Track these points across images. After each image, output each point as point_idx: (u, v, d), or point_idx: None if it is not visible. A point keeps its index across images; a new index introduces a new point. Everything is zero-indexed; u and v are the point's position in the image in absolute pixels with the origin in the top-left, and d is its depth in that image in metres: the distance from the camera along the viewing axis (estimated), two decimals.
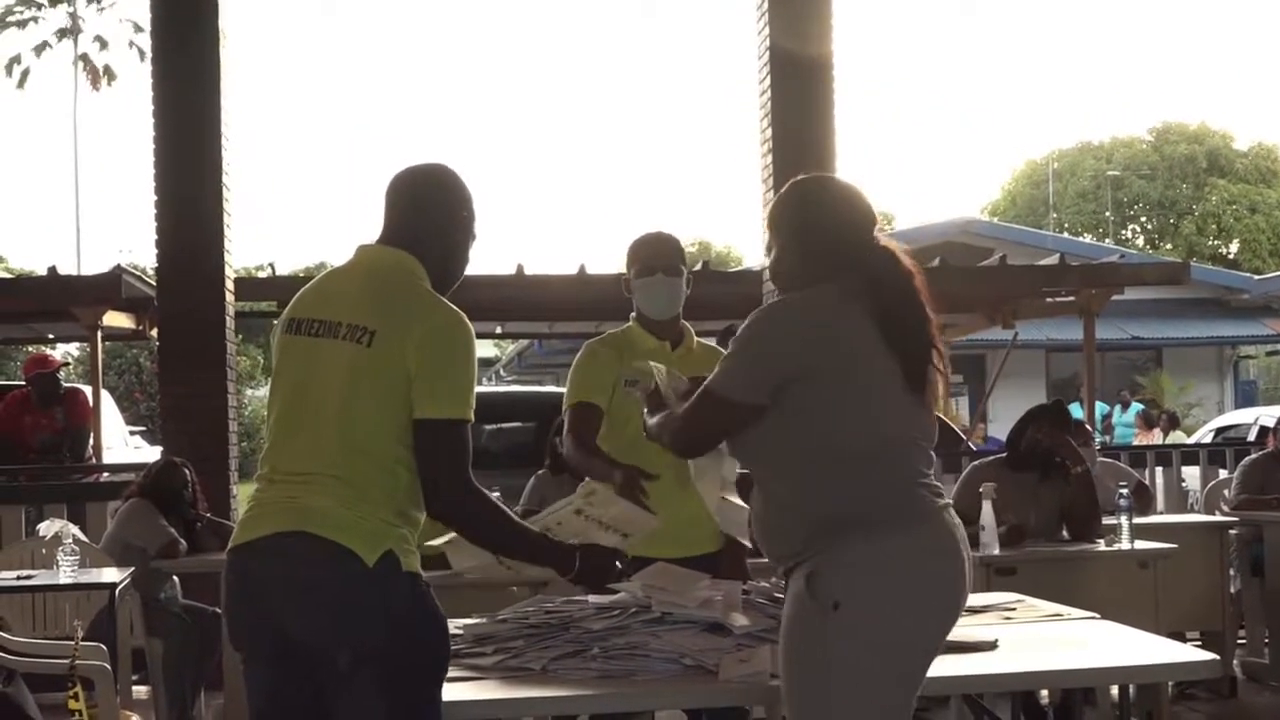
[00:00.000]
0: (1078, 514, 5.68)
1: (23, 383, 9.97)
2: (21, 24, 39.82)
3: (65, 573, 5.53)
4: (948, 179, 78.57)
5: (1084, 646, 3.32)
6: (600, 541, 3.06)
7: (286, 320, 2.87)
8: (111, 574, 5.69)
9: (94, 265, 27.66)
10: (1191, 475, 9.06)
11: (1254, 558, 7.02)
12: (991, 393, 15.47)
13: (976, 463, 6.02)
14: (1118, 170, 39.97)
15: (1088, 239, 36.06)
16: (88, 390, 10.50)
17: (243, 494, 6.98)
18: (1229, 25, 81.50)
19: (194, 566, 6.32)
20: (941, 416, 12.60)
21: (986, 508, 5.29)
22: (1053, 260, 12.58)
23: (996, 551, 5.29)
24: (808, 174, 3.04)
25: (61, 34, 39.69)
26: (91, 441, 10.06)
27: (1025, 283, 12.09)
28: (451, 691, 2.82)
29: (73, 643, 4.22)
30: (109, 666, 4.73)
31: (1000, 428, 12.91)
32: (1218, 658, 3.18)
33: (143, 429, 20.29)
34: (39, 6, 39.78)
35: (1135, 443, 16.97)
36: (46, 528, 5.86)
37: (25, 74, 39.37)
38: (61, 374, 9.87)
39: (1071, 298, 11.84)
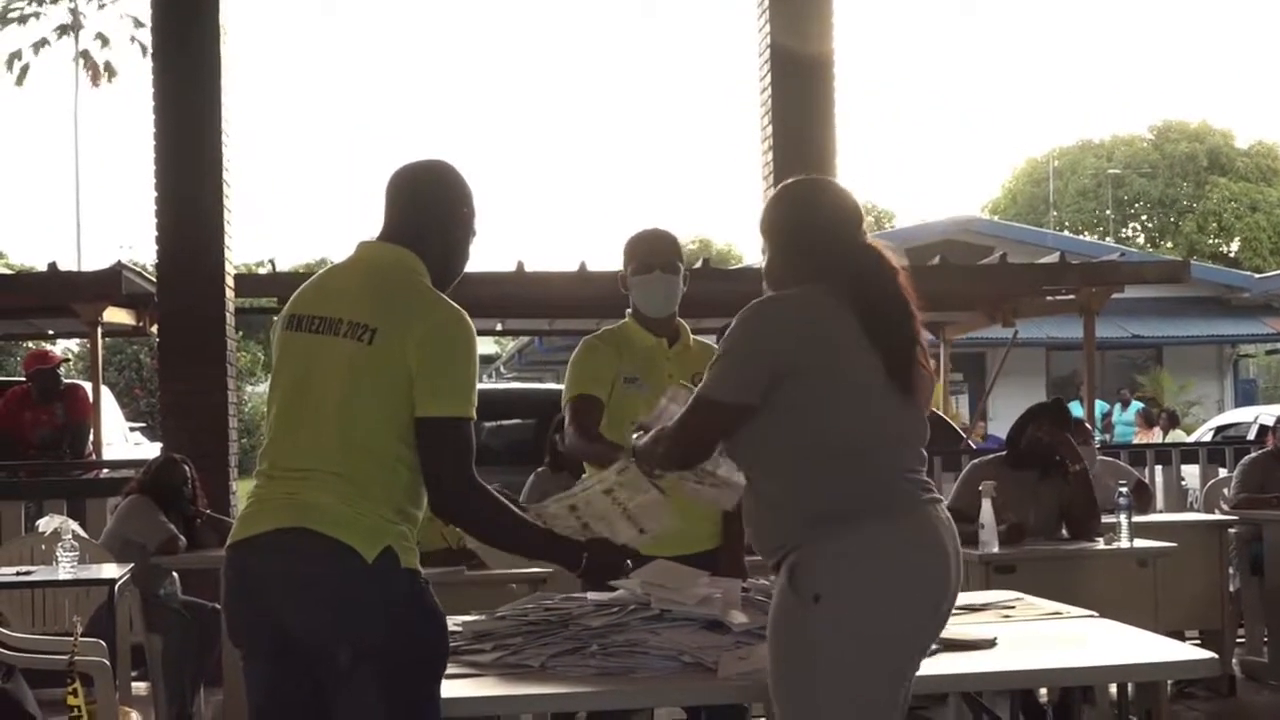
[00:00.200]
0: (1077, 512, 5.69)
1: (23, 379, 9.97)
2: (22, 20, 39.81)
3: (65, 569, 5.54)
4: (948, 177, 78.55)
5: (1083, 645, 3.32)
6: (619, 531, 3.06)
7: (287, 317, 2.87)
8: (111, 570, 5.69)
9: (94, 261, 27.65)
10: (1191, 474, 9.06)
11: (1253, 556, 7.03)
12: (991, 391, 15.47)
13: (976, 461, 6.02)
14: (1118, 168, 39.95)
15: (1088, 237, 36.04)
16: (88, 386, 10.50)
17: (242, 490, 6.98)
18: (1230, 23, 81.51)
19: (194, 563, 6.33)
20: (941, 414, 12.65)
21: (986, 506, 5.29)
22: (1053, 258, 12.57)
23: (996, 549, 5.29)
24: (797, 177, 3.10)
25: (62, 30, 39.68)
26: (91, 437, 10.06)
27: (1025, 281, 12.08)
28: (450, 688, 2.82)
29: (72, 639, 4.22)
30: (108, 662, 4.74)
31: (1000, 426, 12.91)
32: (1216, 656, 3.18)
33: (143, 425, 20.28)
34: (40, 2, 39.77)
35: (1135, 441, 16.96)
36: (46, 524, 5.86)
37: (25, 70, 39.37)
38: (62, 370, 9.89)
39: (1072, 296, 11.83)
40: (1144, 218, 41.53)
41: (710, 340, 4.31)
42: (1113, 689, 4.40)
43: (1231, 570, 6.91)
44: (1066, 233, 34.27)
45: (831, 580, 2.70)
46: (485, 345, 29.30)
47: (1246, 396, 25.93)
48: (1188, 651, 3.30)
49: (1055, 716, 5.41)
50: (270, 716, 2.80)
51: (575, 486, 3.19)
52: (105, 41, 39.40)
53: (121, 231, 71.20)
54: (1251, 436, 12.08)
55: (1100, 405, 17.16)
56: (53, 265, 10.71)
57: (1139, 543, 5.52)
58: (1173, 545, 5.65)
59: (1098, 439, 10.57)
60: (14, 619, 5.86)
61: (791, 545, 2.76)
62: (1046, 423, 5.76)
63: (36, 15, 39.75)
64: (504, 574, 5.35)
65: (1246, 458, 7.36)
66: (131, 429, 16.33)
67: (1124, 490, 5.61)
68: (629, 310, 4.10)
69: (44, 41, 39.50)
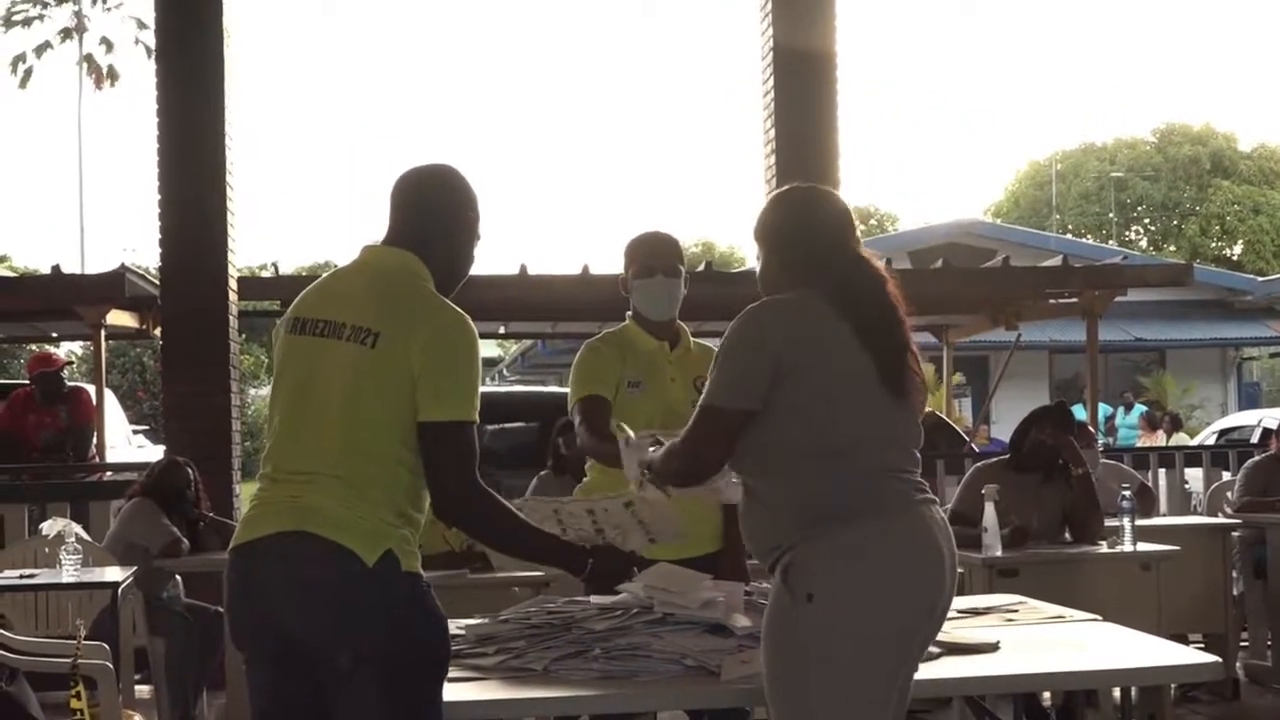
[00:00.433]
0: (1080, 516, 5.69)
1: (27, 381, 9.98)
2: (26, 22, 39.86)
3: (68, 572, 5.54)
4: (951, 180, 78.60)
5: (1086, 648, 3.32)
6: (630, 538, 3.06)
7: (290, 320, 2.88)
8: (114, 573, 5.69)
9: (98, 264, 27.68)
10: (1194, 477, 9.06)
11: (1257, 560, 7.02)
12: (994, 394, 15.47)
13: (979, 464, 6.02)
14: (1121, 172, 39.94)
15: (1091, 240, 36.06)
16: (91, 389, 10.52)
17: (245, 493, 6.98)
18: (1233, 26, 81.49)
19: (196, 566, 6.33)
20: (944, 418, 12.60)
21: (989, 509, 5.29)
22: (1056, 262, 12.58)
23: (999, 553, 5.29)
24: (793, 184, 3.14)
25: (65, 33, 39.73)
26: (95, 440, 10.07)
27: (1028, 284, 12.08)
28: (453, 692, 2.82)
29: (75, 642, 4.22)
30: (111, 666, 4.73)
31: (1003, 429, 12.93)
32: (1220, 660, 3.17)
33: (146, 428, 20.29)
34: (44, 5, 39.82)
35: (1138, 444, 16.96)
36: (49, 526, 5.86)
37: (29, 73, 39.42)
38: (65, 373, 9.89)
39: (1074, 299, 11.82)
40: (1147, 221, 41.53)
41: (712, 343, 4.32)
42: (1116, 693, 4.40)
43: (1235, 573, 6.91)
44: (1069, 236, 34.31)
45: (825, 579, 2.72)
46: (488, 348, 29.33)
47: (1250, 400, 25.94)
48: (1191, 655, 3.30)
49: None
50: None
51: (598, 496, 3.21)
52: (110, 46, 39.46)
53: (125, 234, 71.28)
54: (1255, 439, 12.08)
55: (1103, 408, 17.18)
56: (56, 268, 10.72)
57: (1142, 546, 5.52)
58: (1176, 549, 5.64)
59: (1101, 442, 10.59)
60: (17, 622, 5.86)
61: (786, 545, 2.78)
62: (1049, 426, 5.76)
63: (40, 18, 39.81)
64: (507, 577, 5.35)
65: (1250, 461, 7.36)
66: (135, 432, 16.35)
67: (1127, 494, 5.61)
68: (629, 313, 4.10)
69: (47, 44, 39.55)
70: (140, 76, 39.11)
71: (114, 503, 7.13)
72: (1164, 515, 7.73)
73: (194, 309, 7.65)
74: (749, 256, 37.74)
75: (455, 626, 3.09)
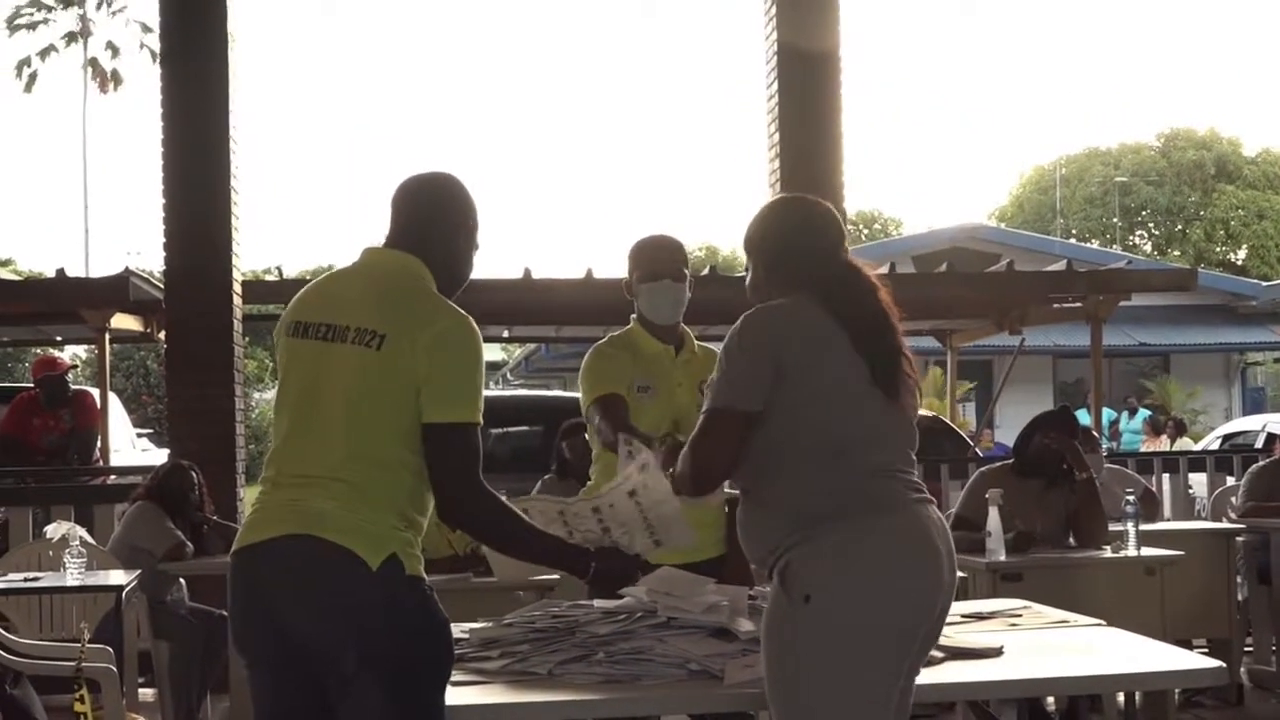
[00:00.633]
0: (1084, 521, 5.68)
1: (31, 385, 9.99)
2: (31, 26, 39.94)
3: (72, 575, 5.55)
4: (955, 185, 78.48)
5: (1090, 653, 3.32)
6: (636, 541, 3.07)
7: (291, 323, 2.87)
8: (118, 576, 5.70)
9: (102, 268, 27.63)
10: (1199, 482, 9.06)
11: (1261, 565, 7.01)
12: (998, 399, 15.46)
13: (983, 469, 6.02)
14: (1126, 176, 39.93)
15: (1095, 245, 36.06)
16: (95, 392, 10.52)
17: (250, 497, 6.99)
18: (1238, 31, 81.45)
19: (200, 569, 6.34)
20: (948, 422, 12.60)
21: (993, 514, 5.28)
22: (1060, 266, 12.57)
23: (1003, 558, 5.29)
24: (781, 195, 3.18)
25: (70, 37, 39.80)
26: (99, 444, 10.08)
27: (1032, 289, 12.08)
28: (457, 695, 2.82)
29: (79, 645, 4.23)
30: (115, 669, 4.75)
31: (1007, 434, 12.90)
32: (1224, 665, 3.17)
33: (150, 431, 20.30)
34: (49, 9, 39.89)
35: (1142, 449, 16.94)
36: (54, 530, 5.87)
37: (34, 77, 39.50)
38: (69, 376, 9.89)
39: (1079, 304, 11.82)
40: (1151, 225, 41.50)
41: (716, 347, 4.31)
42: (1120, 698, 4.40)
43: (1239, 579, 6.90)
44: (1073, 240, 34.34)
45: (822, 580, 2.72)
46: (492, 352, 29.30)
47: (1254, 404, 25.92)
48: (1195, 660, 3.30)
49: None
50: None
51: (604, 488, 3.19)
52: (115, 51, 39.53)
53: (129, 238, 71.47)
54: (1259, 445, 12.08)
55: (1107, 413, 17.16)
56: (61, 271, 10.73)
57: (1146, 551, 5.51)
58: (1180, 554, 5.63)
59: (1105, 447, 10.56)
60: (21, 625, 5.87)
61: (782, 548, 2.79)
62: (1054, 431, 5.76)
63: (45, 22, 39.89)
64: (511, 581, 5.35)
65: (1254, 466, 7.35)
66: (139, 435, 16.35)
67: (1131, 498, 5.60)
68: (633, 316, 4.10)
69: (51, 48, 39.63)
70: (145, 80, 39.20)
71: (118, 506, 7.15)
72: (1168, 520, 7.73)
73: (198, 312, 7.65)
74: None
75: (459, 630, 3.09)
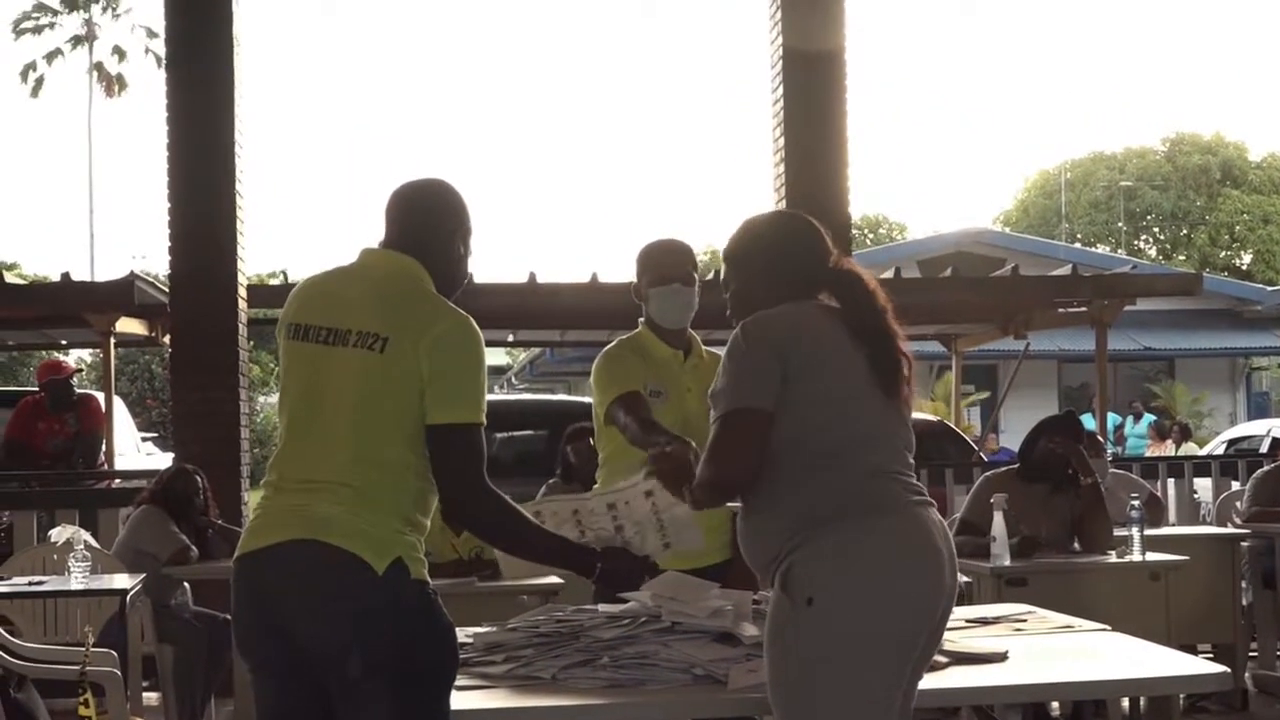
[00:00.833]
0: (1089, 525, 5.67)
1: (36, 388, 9.99)
2: (37, 30, 40.02)
3: (77, 579, 5.55)
4: (960, 189, 78.51)
5: (1095, 658, 3.31)
6: (648, 542, 3.07)
7: (291, 325, 2.86)
8: (122, 580, 5.70)
9: (107, 271, 27.77)
10: (1203, 487, 9.04)
11: (1266, 570, 7.00)
12: (1003, 403, 15.45)
13: (988, 474, 6.01)
14: (1131, 181, 39.89)
15: (1100, 249, 35.98)
16: (100, 396, 10.52)
17: (254, 501, 7.00)
18: (1243, 35, 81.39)
19: (205, 573, 6.33)
20: (953, 427, 12.58)
21: (998, 519, 5.28)
22: (1065, 271, 12.55)
23: (1008, 562, 5.27)
24: (761, 213, 3.23)
25: (76, 41, 39.87)
26: (104, 448, 10.08)
27: (1037, 293, 12.06)
28: (461, 700, 2.82)
29: (83, 649, 4.23)
30: (119, 673, 4.75)
31: (1012, 438, 12.90)
32: (1229, 670, 3.17)
33: (155, 435, 20.33)
34: (54, 13, 39.97)
35: (1147, 454, 16.92)
36: (58, 534, 5.87)
37: (40, 81, 39.57)
38: (74, 380, 9.89)
39: (1084, 308, 11.80)
40: (1156, 230, 41.47)
41: (722, 351, 4.31)
42: (1124, 702, 4.39)
43: (1244, 584, 6.89)
44: (1078, 245, 34.28)
45: (823, 582, 2.73)
46: (496, 356, 29.32)
47: (1259, 409, 25.87)
48: (1200, 665, 3.30)
49: None
50: None
51: (620, 484, 3.19)
52: (122, 55, 39.60)
53: (134, 242, 71.51)
54: (1264, 449, 12.03)
55: (1112, 418, 17.11)
56: (66, 275, 10.73)
57: (1151, 556, 5.50)
58: (1185, 558, 5.62)
59: (1110, 452, 10.56)
60: (26, 629, 5.87)
61: (784, 553, 2.78)
62: (1059, 435, 5.75)
63: (51, 26, 39.96)
64: (515, 585, 5.35)
65: (1259, 471, 7.34)
66: (144, 439, 16.36)
67: (1136, 503, 5.59)
68: (641, 320, 4.10)
69: (57, 52, 39.70)
70: (150, 84, 39.22)
71: (123, 510, 7.15)
72: (1173, 525, 7.71)
73: (203, 316, 7.66)
74: None
75: (463, 634, 3.09)
